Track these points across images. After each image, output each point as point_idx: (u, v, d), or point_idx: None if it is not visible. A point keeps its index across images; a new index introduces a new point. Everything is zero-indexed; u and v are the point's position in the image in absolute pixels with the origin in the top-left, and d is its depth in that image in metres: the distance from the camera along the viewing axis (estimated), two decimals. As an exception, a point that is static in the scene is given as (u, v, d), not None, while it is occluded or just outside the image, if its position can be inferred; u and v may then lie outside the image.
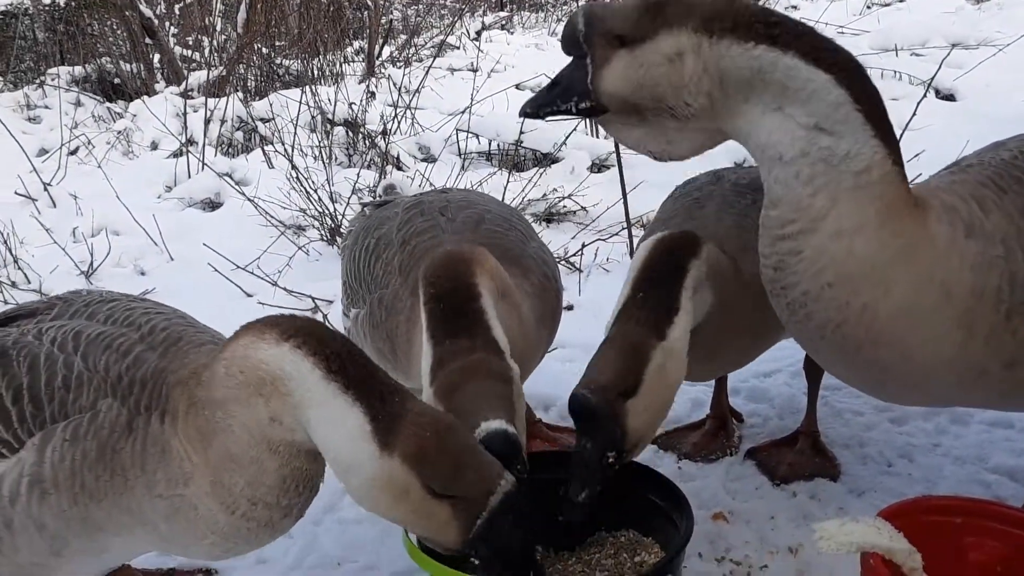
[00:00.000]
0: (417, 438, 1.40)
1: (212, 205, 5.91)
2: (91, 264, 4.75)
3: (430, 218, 2.31)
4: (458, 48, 11.64)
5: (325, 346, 1.42)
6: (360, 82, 9.37)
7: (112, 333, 1.58)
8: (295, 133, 6.19)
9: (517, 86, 8.42)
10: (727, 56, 1.52)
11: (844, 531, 1.43)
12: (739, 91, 1.54)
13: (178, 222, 5.40)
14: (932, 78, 5.38)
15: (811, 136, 1.50)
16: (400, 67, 10.00)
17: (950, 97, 6.72)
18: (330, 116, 6.75)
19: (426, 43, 12.06)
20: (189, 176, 6.39)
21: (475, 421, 1.66)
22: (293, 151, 5.79)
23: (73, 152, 7.39)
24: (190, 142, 7.01)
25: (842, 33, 8.48)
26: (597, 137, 6.31)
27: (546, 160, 5.93)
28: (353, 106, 6.80)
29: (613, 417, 1.74)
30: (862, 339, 1.54)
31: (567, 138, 5.69)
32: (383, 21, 12.17)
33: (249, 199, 5.19)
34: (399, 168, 6.05)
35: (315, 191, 4.95)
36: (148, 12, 10.30)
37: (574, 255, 4.27)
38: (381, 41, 11.12)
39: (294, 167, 5.13)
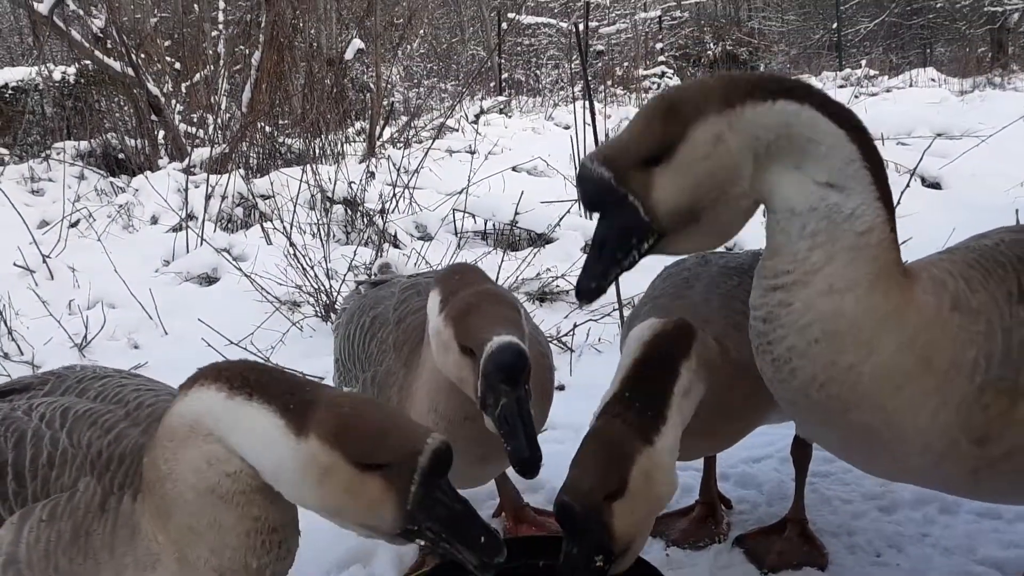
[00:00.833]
0: (333, 415, 1.39)
1: (209, 280, 5.98)
2: (85, 337, 4.77)
3: (426, 297, 2.34)
4: (457, 130, 11.91)
5: (224, 371, 1.45)
6: (360, 162, 9.55)
7: (99, 410, 1.60)
8: (294, 211, 6.31)
9: (514, 168, 8.59)
10: (755, 119, 1.54)
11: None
12: (768, 154, 1.57)
13: (174, 296, 5.46)
14: (916, 166, 5.55)
15: (822, 192, 1.54)
16: (400, 148, 10.21)
17: (936, 185, 6.90)
18: (330, 194, 6.87)
19: (426, 125, 12.33)
20: (188, 251, 6.47)
21: (487, 335, 1.67)
22: (292, 228, 5.88)
23: (74, 224, 7.47)
24: (190, 217, 7.11)
25: (830, 122, 8.72)
26: (590, 219, 6.42)
27: (540, 240, 6.03)
28: (353, 185, 6.94)
29: (599, 521, 1.67)
30: (847, 400, 1.56)
31: (560, 220, 5.79)
32: (384, 103, 12.49)
33: (246, 275, 5.25)
34: (396, 246, 6.14)
35: (311, 267, 5.02)
36: (155, 90, 10.58)
37: (566, 335, 4.31)
38: (382, 122, 11.38)
39: (292, 244, 5.22)
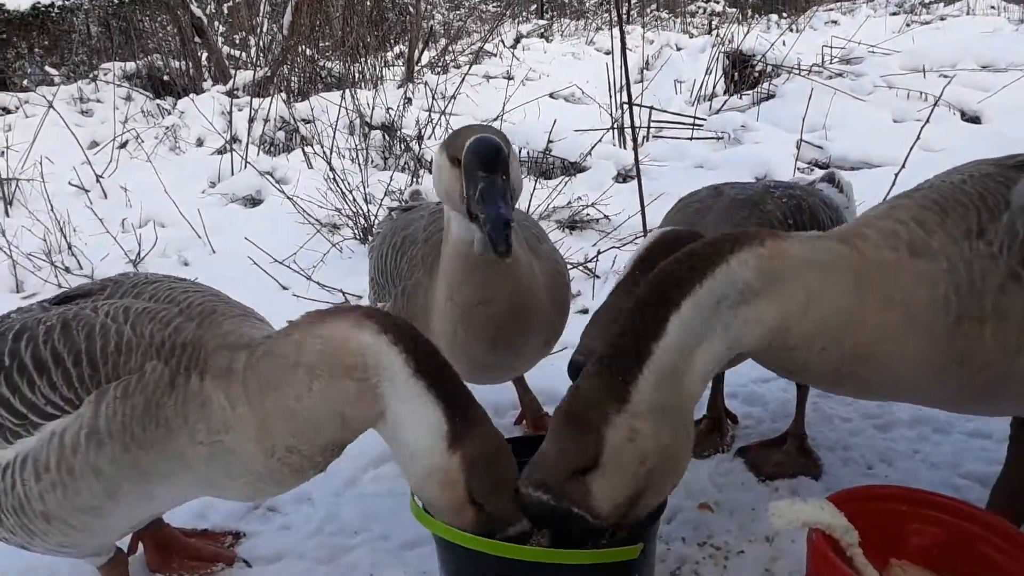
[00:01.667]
0: (479, 448, 1.61)
1: (253, 202, 6.19)
2: (139, 253, 5.04)
3: None
4: (495, 55, 11.87)
5: (417, 345, 1.62)
6: (399, 87, 9.63)
7: (156, 308, 1.82)
8: (334, 136, 6.46)
9: (551, 95, 8.61)
10: (649, 390, 1.55)
11: (793, 509, 1.63)
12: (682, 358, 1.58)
13: (220, 216, 5.68)
14: (939, 97, 5.48)
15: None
16: (438, 73, 10.24)
17: (975, 120, 6.80)
18: (368, 120, 7.00)
19: (464, 50, 12.29)
20: (232, 173, 6.67)
21: (468, 140, 1.83)
22: (332, 153, 6.05)
23: (123, 145, 7.71)
24: (234, 140, 7.30)
25: (873, 52, 8.57)
26: (624, 148, 6.48)
27: (573, 168, 6.13)
28: (390, 111, 7.06)
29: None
30: (855, 371, 1.68)
31: (592, 149, 5.86)
32: (424, 26, 12.44)
33: (288, 197, 5.46)
34: (431, 172, 6.28)
35: (350, 192, 5.21)
36: (198, 11, 10.68)
37: (590, 261, 4.47)
38: (421, 46, 11.38)
39: (332, 169, 5.40)
